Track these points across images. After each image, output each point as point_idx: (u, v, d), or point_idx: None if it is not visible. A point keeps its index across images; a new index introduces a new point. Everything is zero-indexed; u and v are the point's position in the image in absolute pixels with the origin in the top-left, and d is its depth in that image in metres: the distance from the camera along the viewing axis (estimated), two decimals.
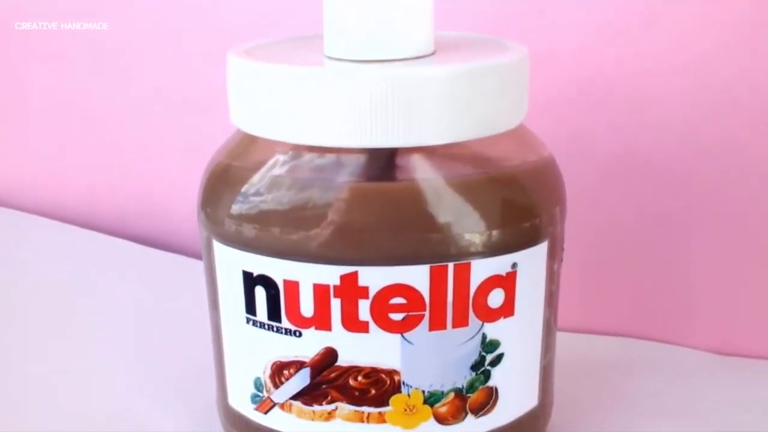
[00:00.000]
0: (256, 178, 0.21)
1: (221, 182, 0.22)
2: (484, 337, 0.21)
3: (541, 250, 0.22)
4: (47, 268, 0.41)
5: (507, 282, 0.21)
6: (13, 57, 0.47)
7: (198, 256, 0.41)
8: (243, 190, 0.21)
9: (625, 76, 0.31)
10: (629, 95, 0.31)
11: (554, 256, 0.23)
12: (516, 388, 0.23)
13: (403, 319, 0.21)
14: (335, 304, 0.21)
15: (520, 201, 0.21)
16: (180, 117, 0.43)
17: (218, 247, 0.22)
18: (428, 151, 0.21)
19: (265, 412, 0.23)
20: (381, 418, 0.22)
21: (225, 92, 0.22)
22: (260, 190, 0.21)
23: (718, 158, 0.30)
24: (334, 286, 0.21)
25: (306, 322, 0.21)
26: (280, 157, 0.21)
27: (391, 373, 0.21)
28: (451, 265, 0.20)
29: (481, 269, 0.21)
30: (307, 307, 0.21)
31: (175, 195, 0.44)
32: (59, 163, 0.49)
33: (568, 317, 0.29)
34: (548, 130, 0.25)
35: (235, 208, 0.21)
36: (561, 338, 0.25)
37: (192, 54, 0.41)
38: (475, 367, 0.22)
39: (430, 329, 0.21)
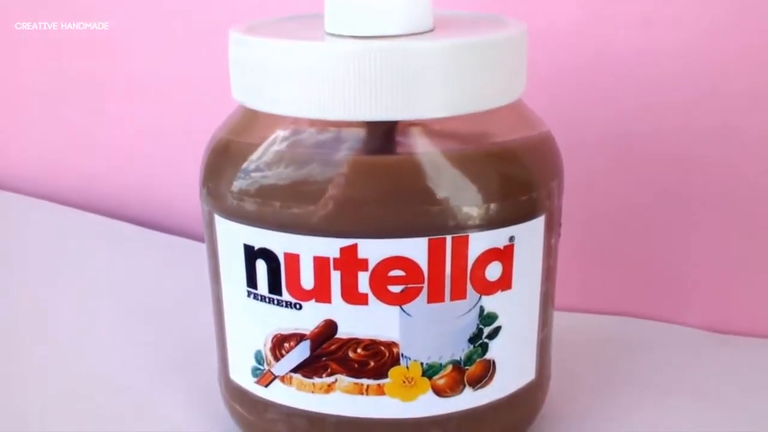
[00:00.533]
0: (257, 153, 0.22)
1: (222, 158, 0.23)
2: (481, 309, 0.22)
3: (538, 224, 0.22)
4: (46, 251, 0.42)
5: (505, 255, 0.22)
6: (12, 42, 0.48)
7: (196, 238, 0.42)
8: (244, 165, 0.22)
9: (623, 56, 0.31)
10: (627, 75, 0.31)
11: (552, 231, 0.23)
12: (513, 362, 0.23)
13: (402, 291, 0.21)
14: (335, 277, 0.21)
15: (517, 174, 0.22)
16: (179, 99, 0.43)
17: (219, 222, 0.22)
18: (427, 125, 0.21)
19: (266, 385, 0.23)
20: (380, 390, 0.22)
21: (223, 76, 0.23)
22: (261, 165, 0.21)
23: (715, 139, 0.31)
24: (334, 259, 0.21)
25: (306, 295, 0.21)
26: (281, 133, 0.22)
27: (390, 345, 0.22)
28: (449, 238, 0.21)
29: (479, 242, 0.21)
30: (307, 280, 0.21)
31: (173, 177, 0.45)
32: (56, 146, 0.49)
33: (565, 297, 0.29)
34: (546, 108, 0.25)
35: (237, 183, 0.22)
36: (558, 317, 0.26)
37: (191, 36, 0.42)
38: (472, 340, 0.22)
39: (429, 301, 0.21)
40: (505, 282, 0.22)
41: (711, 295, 0.33)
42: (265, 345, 0.23)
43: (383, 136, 0.21)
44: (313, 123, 0.21)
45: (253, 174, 0.21)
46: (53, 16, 0.45)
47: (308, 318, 0.22)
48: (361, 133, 0.21)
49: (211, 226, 0.23)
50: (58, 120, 0.48)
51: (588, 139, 0.32)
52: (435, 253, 0.21)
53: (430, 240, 0.21)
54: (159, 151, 0.45)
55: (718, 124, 0.30)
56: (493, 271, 0.21)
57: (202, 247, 0.24)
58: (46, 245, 0.42)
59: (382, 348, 0.22)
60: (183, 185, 0.43)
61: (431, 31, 0.22)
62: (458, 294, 0.21)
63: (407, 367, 0.22)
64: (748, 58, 0.29)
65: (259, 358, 0.23)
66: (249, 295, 0.22)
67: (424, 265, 0.21)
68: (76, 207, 0.47)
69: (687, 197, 0.32)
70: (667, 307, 0.33)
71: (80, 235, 0.44)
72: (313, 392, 0.22)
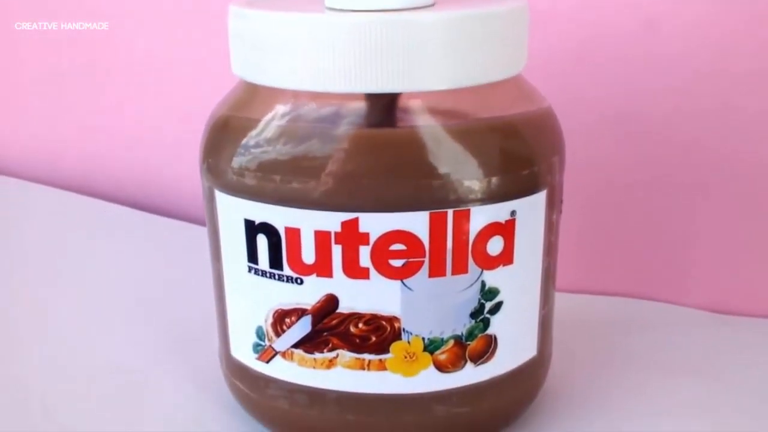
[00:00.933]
0: (257, 128, 0.22)
1: (223, 133, 0.23)
2: (483, 284, 0.22)
3: (539, 198, 0.22)
4: (46, 235, 0.42)
5: (506, 229, 0.21)
6: (10, 25, 0.47)
7: (194, 221, 0.42)
8: (245, 140, 0.22)
9: (624, 34, 0.31)
10: (627, 56, 0.31)
11: (553, 207, 0.23)
12: (515, 337, 0.23)
13: (403, 265, 0.21)
14: (336, 251, 0.21)
15: (518, 149, 0.22)
16: (178, 85, 0.43)
17: (220, 197, 0.22)
18: (428, 99, 0.21)
19: (267, 361, 0.23)
20: (381, 365, 0.22)
21: (223, 62, 0.23)
22: (262, 140, 0.21)
23: (715, 118, 0.31)
24: (335, 233, 0.21)
25: (307, 269, 0.21)
26: (281, 108, 0.22)
27: (392, 319, 0.22)
28: (450, 212, 0.21)
29: (481, 216, 0.21)
30: (308, 254, 0.21)
31: (173, 161, 0.44)
32: (55, 130, 0.49)
33: (566, 278, 0.29)
34: (546, 88, 0.25)
35: (237, 158, 0.22)
36: (558, 298, 0.26)
37: (189, 16, 0.41)
38: (474, 315, 0.22)
39: (430, 276, 0.21)
40: (506, 257, 0.22)
41: (711, 276, 0.33)
42: (266, 321, 0.22)
43: (384, 109, 0.21)
44: (314, 97, 0.21)
45: (253, 149, 0.21)
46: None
47: (309, 293, 0.22)
48: (361, 107, 0.21)
49: (211, 202, 0.23)
50: (56, 105, 0.48)
51: (587, 121, 0.32)
52: (436, 227, 0.21)
53: (431, 214, 0.21)
54: (158, 136, 0.45)
55: (718, 105, 0.30)
56: (495, 245, 0.21)
57: (202, 231, 0.24)
58: (46, 230, 0.42)
59: (384, 323, 0.22)
60: (181, 169, 0.43)
61: (432, 5, 0.22)
62: (460, 268, 0.21)
63: (409, 342, 0.22)
64: (750, 38, 0.29)
65: (260, 333, 0.23)
66: (250, 271, 0.22)
67: (425, 239, 0.21)
68: (74, 191, 0.47)
69: (687, 178, 0.32)
70: (667, 288, 0.33)
71: (79, 219, 0.44)
72: (314, 368, 0.22)
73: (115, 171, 0.47)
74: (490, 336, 0.22)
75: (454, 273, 0.21)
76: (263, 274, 0.22)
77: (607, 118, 0.32)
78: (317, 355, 0.22)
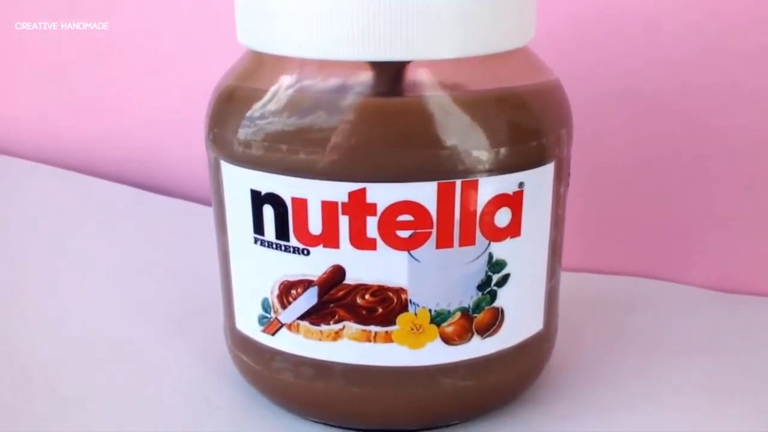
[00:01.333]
0: (264, 98, 0.21)
1: (229, 104, 0.22)
2: (490, 256, 0.22)
3: (547, 171, 0.22)
4: (48, 214, 0.41)
5: (514, 201, 0.21)
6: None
7: (196, 200, 0.42)
8: (251, 110, 0.21)
9: (632, 9, 0.31)
10: (635, 29, 0.31)
11: (560, 179, 0.23)
12: (522, 310, 0.23)
13: (411, 236, 0.21)
14: (343, 222, 0.21)
15: (526, 120, 0.21)
16: (180, 65, 0.43)
17: (226, 168, 0.22)
18: (436, 68, 0.21)
19: (273, 333, 0.23)
20: (388, 338, 0.22)
21: (227, 40, 0.22)
22: (268, 110, 0.21)
23: (723, 93, 0.30)
24: (342, 203, 0.21)
25: (314, 240, 0.21)
26: (288, 78, 0.21)
27: (398, 291, 0.21)
28: (458, 182, 0.20)
29: (489, 187, 0.21)
30: (315, 225, 0.21)
31: (174, 140, 0.44)
32: (56, 110, 0.49)
33: (570, 257, 0.29)
34: (552, 63, 0.25)
35: (243, 129, 0.21)
36: (563, 277, 0.26)
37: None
38: (481, 287, 0.22)
39: (437, 247, 0.21)
40: (514, 229, 0.22)
41: (715, 254, 0.33)
42: (272, 292, 0.22)
43: (392, 79, 0.21)
44: (321, 66, 0.21)
45: (259, 120, 0.21)
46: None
47: (316, 264, 0.21)
48: (368, 76, 0.21)
49: (217, 173, 0.23)
50: (58, 84, 0.48)
51: (592, 97, 0.32)
52: (444, 198, 0.21)
53: (439, 184, 0.20)
54: (160, 115, 0.45)
55: (726, 80, 0.30)
56: (503, 217, 0.21)
57: (203, 210, 0.24)
58: (50, 209, 0.42)
59: (390, 294, 0.21)
60: (183, 149, 0.43)
61: None
62: (467, 240, 0.21)
63: (415, 314, 0.22)
64: (760, 12, 0.29)
65: (266, 305, 0.23)
66: (256, 242, 0.22)
67: (433, 210, 0.21)
68: (76, 171, 0.47)
69: (691, 155, 0.32)
70: (671, 267, 0.33)
71: (82, 198, 0.43)
72: (320, 340, 0.22)
73: (117, 151, 0.47)
74: (497, 309, 0.22)
75: (461, 244, 0.21)
76: (269, 245, 0.22)
77: (613, 93, 0.32)
78: (323, 327, 0.22)
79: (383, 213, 0.21)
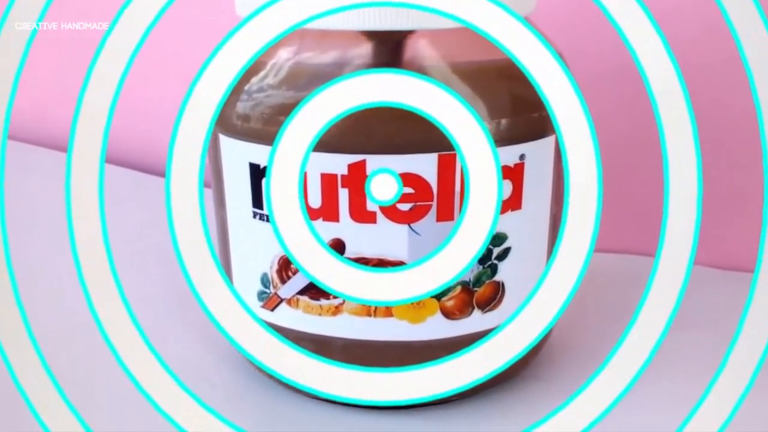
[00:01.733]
0: (262, 71, 0.21)
1: None
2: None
3: (548, 143, 0.22)
4: (45, 196, 0.41)
5: (515, 173, 0.21)
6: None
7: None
8: (249, 83, 0.21)
9: None
10: None
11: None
12: (522, 285, 0.23)
13: (411, 209, 0.21)
14: (343, 194, 0.21)
15: (528, 91, 0.21)
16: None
17: (224, 141, 0.22)
18: (436, 39, 0.20)
19: (272, 309, 0.23)
20: (388, 312, 0.22)
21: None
22: (267, 82, 0.21)
23: (723, 71, 0.30)
24: (342, 176, 0.20)
25: (313, 213, 0.21)
26: (287, 50, 0.21)
27: (399, 264, 0.21)
28: None
29: None
30: (314, 198, 0.21)
31: (167, 121, 0.44)
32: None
33: None
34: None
35: (242, 102, 0.21)
36: None
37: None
38: (482, 261, 0.22)
39: (438, 220, 0.21)
40: (515, 201, 0.22)
41: (713, 233, 0.32)
42: (271, 267, 0.22)
43: (391, 50, 0.21)
44: (320, 38, 0.21)
45: (258, 93, 0.21)
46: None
47: None
48: (368, 48, 0.21)
49: (215, 147, 0.22)
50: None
51: (592, 75, 0.32)
52: (444, 170, 0.20)
53: (439, 156, 0.20)
54: (157, 98, 0.45)
55: (726, 57, 0.30)
56: (504, 190, 0.21)
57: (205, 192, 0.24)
58: (46, 191, 0.42)
59: None
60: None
61: None
62: None
63: None
64: None
65: (265, 281, 0.23)
66: (255, 216, 0.22)
67: (433, 183, 0.20)
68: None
69: None
70: None
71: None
72: (320, 315, 0.22)
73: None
74: (498, 282, 0.22)
75: None
76: (268, 219, 0.22)
77: (612, 71, 0.31)
78: (323, 302, 0.22)
79: None
